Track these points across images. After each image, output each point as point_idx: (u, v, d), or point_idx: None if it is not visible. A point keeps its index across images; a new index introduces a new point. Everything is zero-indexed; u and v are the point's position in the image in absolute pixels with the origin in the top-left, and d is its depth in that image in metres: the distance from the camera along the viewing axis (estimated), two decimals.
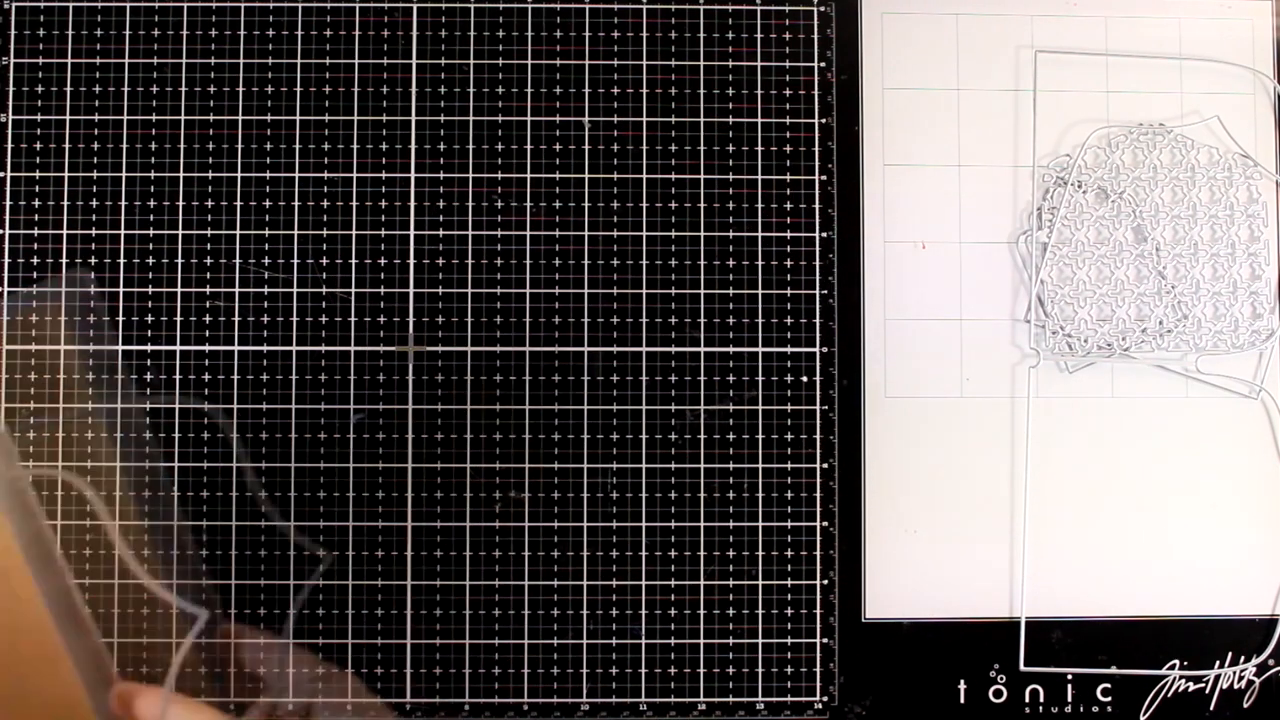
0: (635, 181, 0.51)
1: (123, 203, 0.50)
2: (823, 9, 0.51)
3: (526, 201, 0.51)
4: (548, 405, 0.50)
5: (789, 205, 0.51)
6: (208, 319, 0.50)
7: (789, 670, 0.50)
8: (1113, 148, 0.51)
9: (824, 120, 0.51)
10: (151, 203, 0.50)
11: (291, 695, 0.48)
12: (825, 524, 0.50)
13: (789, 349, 0.50)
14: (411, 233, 0.50)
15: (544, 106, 0.51)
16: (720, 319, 0.50)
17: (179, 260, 0.50)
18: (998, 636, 0.50)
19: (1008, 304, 0.51)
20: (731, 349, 0.50)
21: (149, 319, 0.50)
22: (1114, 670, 0.50)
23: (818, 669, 0.50)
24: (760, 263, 0.51)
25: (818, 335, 0.50)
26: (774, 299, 0.50)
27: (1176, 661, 0.50)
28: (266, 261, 0.50)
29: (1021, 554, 0.50)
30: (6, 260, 0.50)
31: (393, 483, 0.50)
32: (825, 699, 0.50)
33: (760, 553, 0.50)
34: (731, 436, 0.50)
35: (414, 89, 0.50)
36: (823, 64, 0.51)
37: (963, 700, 0.50)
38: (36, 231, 0.50)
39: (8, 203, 0.50)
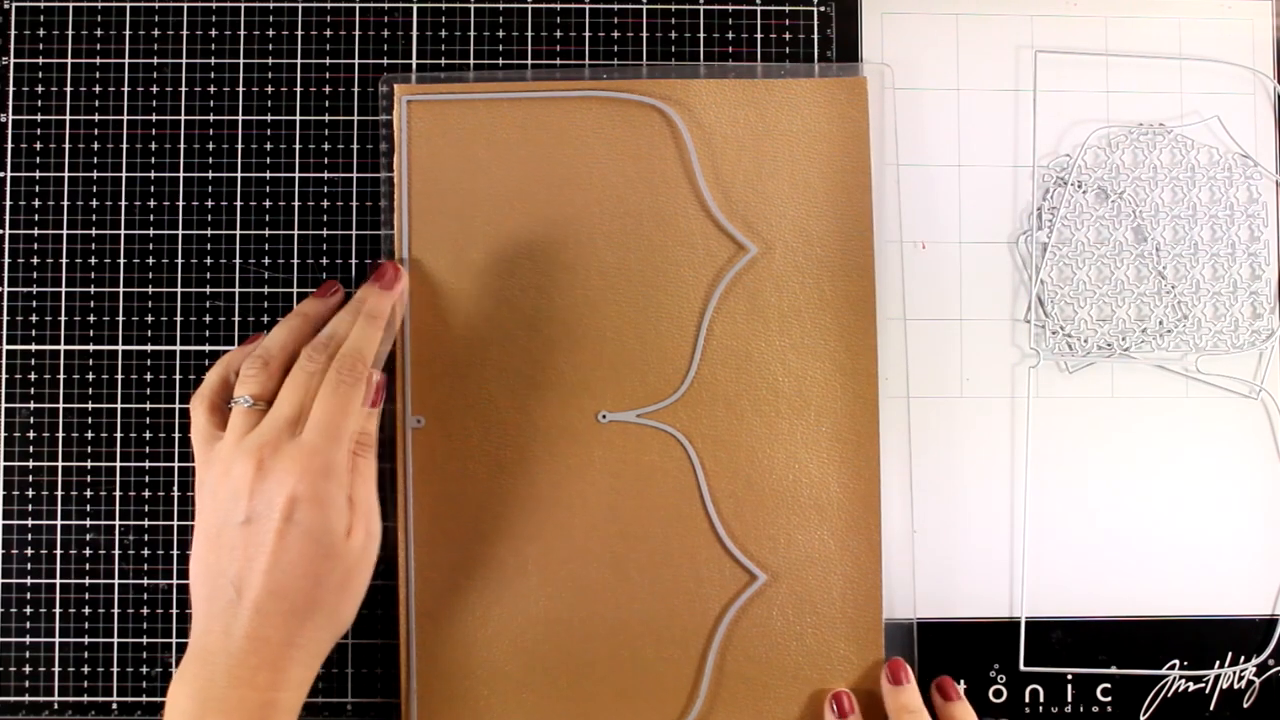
0: None
1: (123, 203, 0.50)
2: (823, 9, 0.51)
3: None
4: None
5: None
6: (208, 319, 0.50)
7: None
8: (1113, 148, 0.51)
9: None
10: (151, 203, 0.50)
11: None
12: None
13: None
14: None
15: None
16: None
17: (179, 260, 0.50)
18: (998, 636, 0.50)
19: (1008, 304, 0.51)
20: None
21: (149, 319, 0.50)
22: (1114, 670, 0.50)
23: None
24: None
25: None
26: None
27: (1176, 661, 0.50)
28: (266, 261, 0.50)
29: (1021, 554, 0.50)
30: (6, 260, 0.50)
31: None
32: None
33: None
34: None
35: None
36: (822, 64, 0.51)
37: None
38: (36, 231, 0.50)
39: (8, 203, 0.50)
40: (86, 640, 0.50)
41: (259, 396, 0.44)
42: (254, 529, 0.41)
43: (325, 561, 0.41)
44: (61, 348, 0.50)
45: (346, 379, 0.44)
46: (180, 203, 0.50)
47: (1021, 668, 0.50)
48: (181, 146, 0.50)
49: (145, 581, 0.50)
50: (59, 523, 0.50)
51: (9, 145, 0.50)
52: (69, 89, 0.50)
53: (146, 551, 0.50)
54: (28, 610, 0.50)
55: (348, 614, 0.43)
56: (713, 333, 0.49)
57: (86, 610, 0.50)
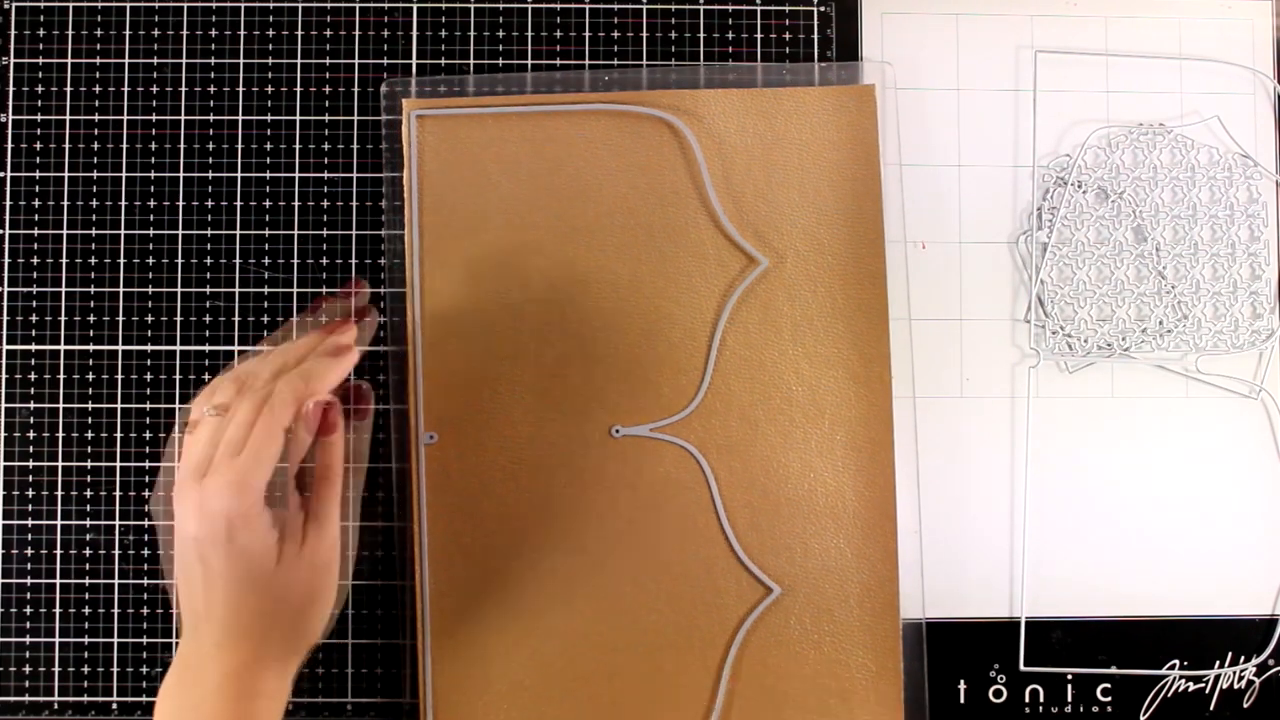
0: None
1: (123, 203, 0.50)
2: (823, 9, 0.51)
3: None
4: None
5: None
6: (208, 319, 0.50)
7: None
8: (1113, 148, 0.51)
9: None
10: (151, 203, 0.50)
11: None
12: None
13: None
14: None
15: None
16: None
17: (179, 260, 0.50)
18: (998, 636, 0.50)
19: (1008, 304, 0.51)
20: None
21: (149, 319, 0.50)
22: (1114, 670, 0.50)
23: None
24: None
25: None
26: None
27: (1176, 661, 0.50)
28: (266, 261, 0.50)
29: (1021, 554, 0.50)
30: (6, 260, 0.50)
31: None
32: None
33: None
34: None
35: (414, 88, 0.50)
36: (823, 64, 0.51)
37: (963, 700, 0.50)
38: (36, 231, 0.50)
39: (8, 203, 0.50)
40: (86, 640, 0.50)
41: (222, 408, 0.43)
42: (201, 547, 0.41)
43: (267, 579, 0.42)
44: (61, 348, 0.50)
45: (275, 403, 0.42)
46: (180, 203, 0.50)
47: (1021, 668, 0.50)
48: (181, 146, 0.50)
49: (145, 581, 0.50)
50: (59, 523, 0.50)
51: (9, 145, 0.50)
52: (69, 89, 0.50)
53: (146, 551, 0.50)
54: (28, 610, 0.50)
55: (312, 630, 0.43)
56: (725, 344, 0.49)
57: (86, 610, 0.50)
